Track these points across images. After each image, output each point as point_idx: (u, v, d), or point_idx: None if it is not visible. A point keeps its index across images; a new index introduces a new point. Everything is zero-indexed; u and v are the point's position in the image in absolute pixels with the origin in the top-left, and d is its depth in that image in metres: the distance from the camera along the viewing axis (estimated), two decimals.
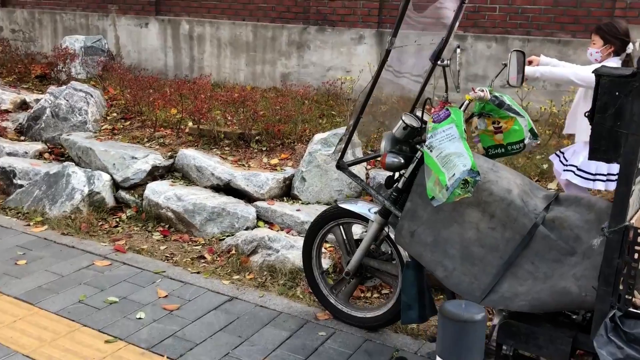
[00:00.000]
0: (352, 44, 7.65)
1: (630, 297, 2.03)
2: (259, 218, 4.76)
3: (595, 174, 3.81)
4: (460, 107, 2.77)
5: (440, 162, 2.47)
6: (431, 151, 2.50)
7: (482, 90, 2.91)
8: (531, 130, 3.06)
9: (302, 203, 4.96)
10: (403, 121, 2.90)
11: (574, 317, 2.48)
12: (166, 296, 3.69)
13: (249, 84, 8.32)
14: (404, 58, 3.03)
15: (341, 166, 3.14)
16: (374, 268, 3.29)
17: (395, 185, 3.01)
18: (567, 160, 3.99)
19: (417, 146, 2.89)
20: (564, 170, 3.94)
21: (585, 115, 2.14)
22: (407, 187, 2.96)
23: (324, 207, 4.87)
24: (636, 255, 1.99)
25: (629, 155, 1.96)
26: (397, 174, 3.06)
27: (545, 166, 4.99)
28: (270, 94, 7.53)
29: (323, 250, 3.74)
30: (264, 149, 5.62)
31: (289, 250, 4.08)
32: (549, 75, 3.83)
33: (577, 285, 2.26)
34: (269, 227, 4.65)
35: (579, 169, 3.84)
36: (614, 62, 3.76)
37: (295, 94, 7.06)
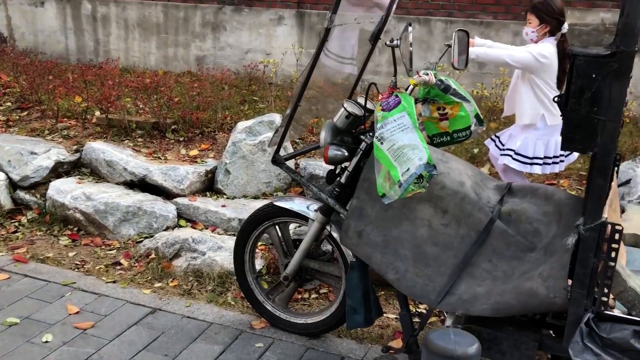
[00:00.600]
0: (271, 25, 7.27)
1: (606, 299, 1.86)
2: (180, 216, 4.34)
3: (533, 158, 3.72)
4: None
5: (392, 156, 2.20)
6: (382, 143, 2.23)
7: (427, 74, 2.67)
8: (477, 116, 2.87)
9: (227, 198, 4.59)
10: (345, 109, 2.61)
11: (537, 317, 2.31)
12: (78, 312, 3.23)
13: (161, 68, 7.74)
14: (341, 38, 2.73)
15: (278, 161, 2.81)
16: (314, 270, 3.01)
17: (337, 180, 2.72)
18: (503, 145, 3.88)
19: (362, 137, 2.61)
20: (502, 155, 3.82)
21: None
22: (351, 182, 2.69)
23: (251, 202, 4.53)
24: (613, 254, 1.82)
25: (606, 144, 1.78)
26: (338, 168, 2.77)
27: (475, 150, 4.89)
28: (185, 78, 7.03)
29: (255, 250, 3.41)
30: (181, 139, 5.17)
31: (217, 252, 3.71)
32: (484, 57, 3.68)
33: (544, 286, 2.07)
34: (191, 226, 4.25)
35: (516, 153, 3.73)
36: (550, 42, 3.65)
37: (212, 78, 6.61)
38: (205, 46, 7.61)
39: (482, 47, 3.73)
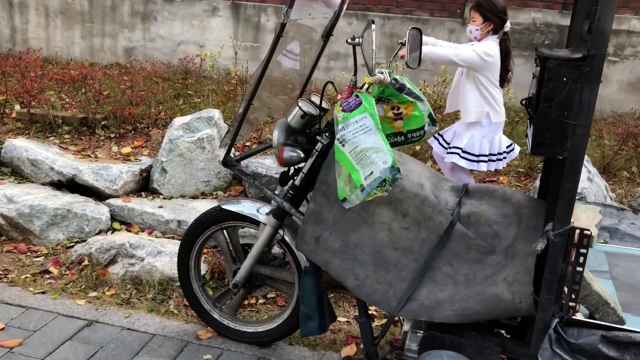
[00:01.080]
0: (205, 16, 7.01)
1: (574, 305, 1.85)
2: (113, 218, 4.08)
3: (479, 155, 3.75)
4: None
5: (355, 159, 2.10)
6: (343, 145, 2.13)
7: (382, 73, 2.58)
8: (430, 116, 2.82)
9: (164, 198, 4.36)
10: (300, 108, 2.49)
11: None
12: (2, 329, 2.94)
13: (86, 59, 7.32)
14: (293, 33, 2.60)
15: (229, 163, 2.65)
16: (265, 276, 2.88)
17: (291, 183, 2.60)
18: (448, 143, 3.88)
19: (317, 137, 2.49)
20: (448, 153, 3.82)
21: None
22: (306, 184, 2.57)
23: (189, 202, 4.33)
24: (581, 259, 1.80)
25: (576, 149, 1.75)
26: (292, 169, 2.65)
27: (417, 148, 4.90)
28: (114, 71, 6.66)
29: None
30: (112, 135, 4.87)
31: (156, 257, 3.50)
32: (431, 55, 3.66)
33: (510, 291, 2.05)
34: (126, 229, 4.00)
35: (463, 151, 3.74)
36: (493, 40, 3.67)
37: (144, 71, 6.29)
38: (134, 37, 7.25)
39: (428, 46, 3.71)
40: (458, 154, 3.73)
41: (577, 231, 1.81)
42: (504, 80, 3.80)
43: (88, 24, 7.33)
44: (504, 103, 3.83)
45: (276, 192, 2.90)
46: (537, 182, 4.27)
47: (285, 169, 2.64)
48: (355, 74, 2.33)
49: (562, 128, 1.76)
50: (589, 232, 1.80)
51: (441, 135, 3.95)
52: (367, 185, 2.07)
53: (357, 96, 2.22)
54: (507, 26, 3.70)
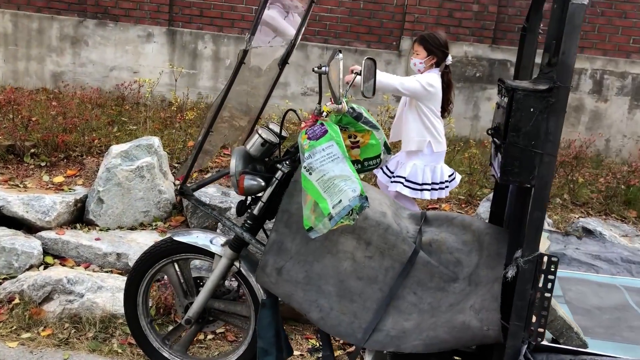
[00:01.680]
0: (139, 42, 6.84)
1: (542, 331, 1.87)
2: (46, 252, 3.83)
3: (422, 184, 3.81)
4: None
5: (322, 187, 2.07)
6: (310, 174, 2.09)
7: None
8: (385, 145, 2.83)
9: (101, 230, 4.14)
10: (260, 136, 2.43)
11: None
12: None
13: (9, 83, 6.93)
14: (253, 61, 2.56)
15: (185, 192, 2.54)
16: (219, 310, 2.76)
17: (249, 212, 2.52)
18: (391, 172, 3.94)
19: (278, 165, 2.44)
20: (392, 182, 3.87)
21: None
22: (265, 214, 2.50)
23: (128, 233, 4.14)
24: (549, 285, 1.84)
25: (543, 177, 1.80)
26: (249, 199, 2.57)
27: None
28: (41, 96, 6.34)
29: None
30: (43, 164, 4.60)
31: (97, 293, 3.29)
32: (377, 83, 3.72)
33: (477, 318, 2.05)
34: (60, 263, 3.76)
35: (407, 180, 3.80)
36: (435, 72, 3.79)
37: (75, 97, 6.02)
38: (63, 61, 6.95)
39: (378, 73, 3.77)
40: (402, 182, 3.78)
41: (545, 258, 1.84)
42: (445, 111, 3.92)
43: (12, 46, 6.97)
44: (445, 133, 3.93)
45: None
46: (480, 209, 4.39)
47: (243, 198, 2.56)
48: (319, 102, 2.31)
49: (530, 157, 1.80)
50: (556, 259, 1.84)
51: (385, 165, 3.99)
52: (336, 214, 2.04)
53: (322, 124, 2.20)
54: (449, 60, 3.83)
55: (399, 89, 3.70)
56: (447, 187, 3.92)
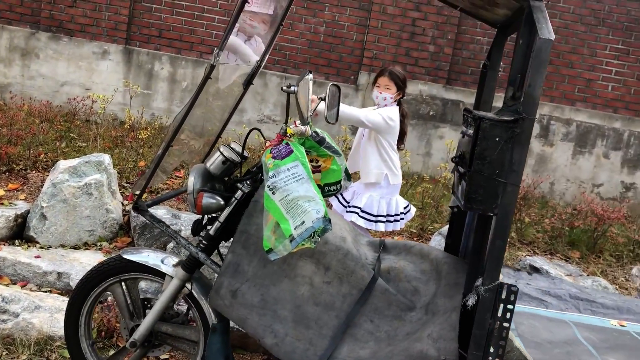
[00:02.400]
0: (94, 59, 6.69)
1: None
2: None
3: (377, 215, 3.82)
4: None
5: (285, 207, 2.03)
6: (274, 193, 2.05)
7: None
8: (346, 171, 2.83)
9: (42, 247, 3.95)
10: (222, 154, 2.38)
11: None
12: None
13: None
14: (218, 77, 2.53)
15: (140, 208, 2.44)
16: (166, 334, 2.63)
17: (205, 232, 2.45)
18: (347, 202, 3.94)
19: (238, 184, 2.39)
20: (347, 212, 3.86)
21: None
22: (221, 234, 2.43)
23: (71, 252, 3.95)
24: (508, 315, 1.84)
25: (506, 206, 1.82)
26: (205, 218, 2.50)
27: None
28: None
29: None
30: None
31: (34, 313, 3.10)
32: (341, 114, 3.75)
33: (435, 347, 2.03)
34: None
35: (362, 211, 3.80)
36: (394, 107, 3.85)
37: (21, 108, 5.79)
38: (10, 73, 6.71)
39: (342, 104, 3.80)
40: (357, 213, 3.78)
41: (505, 287, 1.85)
42: (401, 142, 3.98)
43: None
44: (400, 166, 3.99)
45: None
46: (432, 242, 4.43)
47: (199, 217, 2.49)
48: (286, 122, 2.28)
49: (494, 186, 1.82)
50: (515, 289, 1.85)
51: (341, 194, 3.99)
52: (298, 236, 2.00)
53: (287, 144, 2.17)
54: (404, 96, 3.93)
55: (363, 121, 3.74)
56: (402, 219, 3.94)
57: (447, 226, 2.83)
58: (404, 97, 3.93)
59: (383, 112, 3.76)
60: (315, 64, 6.81)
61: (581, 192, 6.69)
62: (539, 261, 4.39)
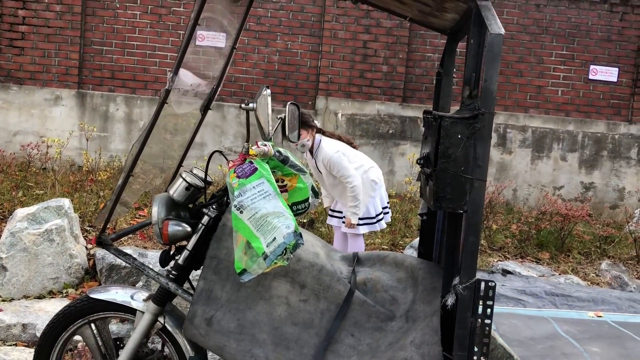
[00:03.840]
0: (46, 105, 6.56)
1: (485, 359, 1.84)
2: None
3: (376, 216, 3.99)
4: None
5: (254, 225, 1.98)
6: (241, 212, 2.00)
7: (265, 145, 2.55)
8: (312, 189, 2.81)
9: (4, 300, 3.79)
10: (184, 180, 2.33)
11: None
12: None
13: None
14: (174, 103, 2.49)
15: (104, 242, 2.35)
16: None
17: (174, 262, 2.37)
18: (339, 212, 4.08)
19: (204, 210, 2.33)
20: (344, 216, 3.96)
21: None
22: (190, 263, 2.36)
23: (35, 303, 3.80)
24: (488, 311, 1.83)
25: (475, 202, 1.82)
26: (172, 249, 2.43)
27: None
28: None
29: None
30: None
31: None
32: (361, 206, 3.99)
33: (419, 354, 2.00)
34: None
35: (361, 219, 3.92)
36: (323, 139, 4.01)
37: None
38: None
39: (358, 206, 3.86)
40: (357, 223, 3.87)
41: (483, 283, 1.84)
42: (352, 144, 4.11)
43: None
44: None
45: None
46: (406, 251, 4.43)
47: (166, 247, 2.42)
48: (247, 140, 2.25)
49: (461, 183, 1.83)
50: (493, 284, 1.84)
51: (333, 210, 4.11)
52: (270, 253, 1.95)
53: (251, 162, 2.14)
54: (314, 121, 4.03)
55: (354, 187, 3.83)
56: (388, 210, 4.11)
57: (418, 238, 2.84)
58: (315, 127, 4.00)
59: (342, 173, 3.85)
60: (273, 93, 6.81)
61: (544, 195, 6.82)
62: (511, 265, 4.43)
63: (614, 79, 7.10)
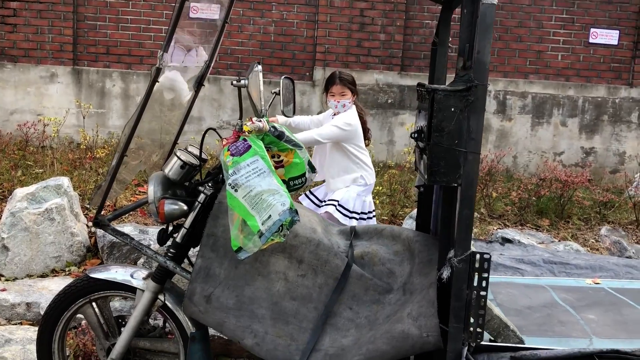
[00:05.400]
0: (42, 83, 6.52)
1: (481, 331, 1.86)
2: None
3: (352, 212, 3.82)
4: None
5: (249, 203, 1.99)
6: (236, 190, 2.00)
7: (260, 120, 2.53)
8: (309, 163, 2.80)
9: (7, 280, 3.82)
10: (179, 158, 2.32)
11: None
12: None
13: None
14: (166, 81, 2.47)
15: (101, 222, 2.36)
16: (144, 350, 2.56)
17: (172, 240, 2.39)
18: (319, 200, 3.92)
19: (200, 188, 2.34)
20: (326, 204, 3.84)
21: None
22: (188, 241, 2.38)
23: (38, 281, 3.84)
24: (484, 284, 1.84)
25: (469, 175, 1.81)
26: (170, 227, 2.44)
27: None
28: None
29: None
30: None
31: (5, 346, 3.00)
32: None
33: (416, 326, 2.02)
34: None
35: (339, 204, 3.79)
36: (352, 109, 3.85)
37: None
38: None
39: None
40: (335, 205, 3.75)
41: (478, 256, 1.85)
42: (366, 139, 3.98)
43: None
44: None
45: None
46: (404, 226, 4.44)
47: (164, 227, 2.43)
48: (240, 118, 2.24)
49: (454, 156, 1.82)
50: (488, 256, 1.85)
51: (312, 193, 3.98)
52: (266, 230, 1.96)
53: (244, 140, 2.13)
54: None
55: (319, 140, 3.72)
56: (370, 218, 3.94)
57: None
58: (357, 95, 3.94)
59: (337, 122, 3.74)
60: (269, 64, 6.77)
61: (544, 162, 6.80)
62: (511, 233, 4.44)
63: (615, 42, 7.01)
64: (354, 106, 3.85)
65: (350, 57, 6.76)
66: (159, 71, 2.15)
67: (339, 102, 3.79)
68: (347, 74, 3.90)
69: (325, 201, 3.82)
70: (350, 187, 3.76)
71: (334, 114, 3.86)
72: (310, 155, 3.23)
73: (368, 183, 3.81)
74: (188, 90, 2.63)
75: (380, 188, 5.23)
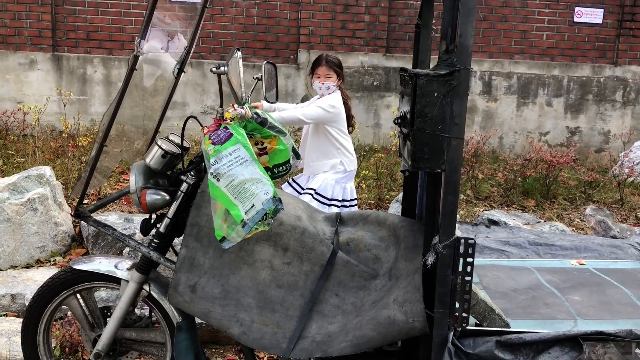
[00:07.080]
0: (21, 70, 6.40)
1: (466, 316, 1.86)
2: None
3: (331, 199, 3.81)
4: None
5: (232, 193, 1.96)
6: (218, 180, 1.98)
7: (242, 107, 2.50)
8: (293, 150, 2.78)
9: None
10: (160, 147, 2.29)
11: None
12: None
13: None
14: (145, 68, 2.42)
15: (82, 214, 2.33)
16: (131, 340, 2.55)
17: (155, 230, 2.36)
18: (302, 187, 3.91)
19: (182, 177, 2.31)
20: (302, 194, 3.82)
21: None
22: (172, 230, 2.35)
23: (23, 272, 3.80)
24: (469, 269, 1.84)
25: (453, 161, 1.80)
26: (154, 216, 2.41)
27: None
28: None
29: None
30: None
31: None
32: (280, 120, 3.71)
33: (402, 311, 2.02)
34: None
35: (317, 193, 3.78)
36: (337, 93, 3.83)
37: None
38: None
39: (276, 112, 3.74)
40: (311, 194, 3.74)
41: (462, 241, 1.84)
42: (350, 125, 3.96)
43: None
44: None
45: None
46: (390, 211, 4.44)
47: (147, 216, 2.40)
48: (221, 105, 2.21)
49: (438, 142, 1.80)
50: (472, 241, 1.84)
51: (294, 181, 3.97)
52: (249, 220, 1.94)
53: (226, 128, 2.10)
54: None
55: (302, 119, 3.70)
56: (352, 206, 3.92)
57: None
58: (343, 79, 3.91)
59: (322, 103, 3.72)
60: (253, 48, 6.69)
61: (529, 142, 6.82)
62: (497, 214, 4.46)
63: (599, 21, 7.01)
64: (339, 91, 3.83)
65: (335, 40, 6.71)
66: (136, 59, 2.10)
67: (323, 83, 3.76)
68: (334, 57, 3.88)
69: (305, 187, 3.82)
70: (327, 173, 3.76)
71: (319, 98, 3.84)
72: (297, 143, 3.21)
73: (348, 169, 3.79)
74: (169, 76, 2.59)
75: (367, 172, 5.22)
